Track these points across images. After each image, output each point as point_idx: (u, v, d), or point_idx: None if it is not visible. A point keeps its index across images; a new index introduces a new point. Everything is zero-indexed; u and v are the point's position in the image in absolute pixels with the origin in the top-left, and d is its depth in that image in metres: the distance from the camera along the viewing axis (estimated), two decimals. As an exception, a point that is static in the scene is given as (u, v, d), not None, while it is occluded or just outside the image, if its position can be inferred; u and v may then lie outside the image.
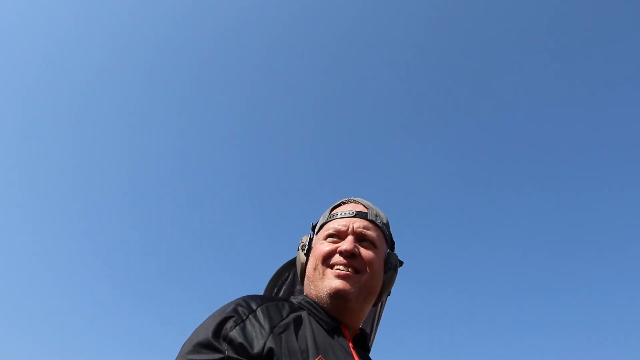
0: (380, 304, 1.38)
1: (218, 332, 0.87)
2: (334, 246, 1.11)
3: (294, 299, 1.12)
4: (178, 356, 0.89)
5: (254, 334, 0.88)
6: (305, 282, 1.16)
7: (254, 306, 0.95)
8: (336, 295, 1.04)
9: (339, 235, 1.14)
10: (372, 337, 1.51)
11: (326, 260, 1.10)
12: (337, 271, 1.07)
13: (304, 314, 1.02)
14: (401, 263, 1.24)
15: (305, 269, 1.18)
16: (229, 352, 0.84)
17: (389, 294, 1.24)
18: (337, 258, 1.09)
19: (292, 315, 0.98)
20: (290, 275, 1.54)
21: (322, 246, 1.13)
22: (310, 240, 1.23)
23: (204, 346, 0.85)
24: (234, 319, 0.90)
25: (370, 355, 1.16)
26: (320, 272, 1.09)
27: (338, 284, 1.05)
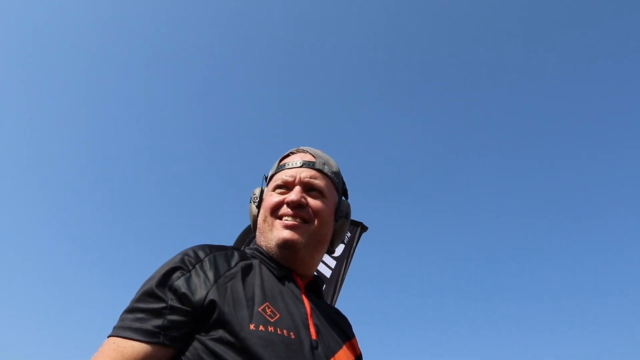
0: (346, 260, 1.43)
1: (164, 282, 0.88)
2: (281, 197, 1.11)
3: (247, 249, 1.13)
4: (130, 303, 0.90)
5: (198, 284, 0.89)
6: (257, 233, 1.17)
7: (201, 255, 0.96)
8: (284, 245, 1.05)
9: (287, 186, 1.14)
10: (337, 292, 1.56)
11: (274, 212, 1.11)
12: (285, 222, 1.08)
13: (255, 262, 1.04)
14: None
15: (257, 221, 1.19)
16: (172, 302, 0.86)
17: (342, 242, 1.27)
18: (284, 209, 1.10)
19: (241, 264, 0.99)
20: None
21: (270, 198, 1.13)
22: (262, 192, 1.23)
23: (149, 295, 0.87)
24: (181, 269, 0.91)
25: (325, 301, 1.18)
26: (269, 223, 1.11)
27: (286, 234, 1.06)
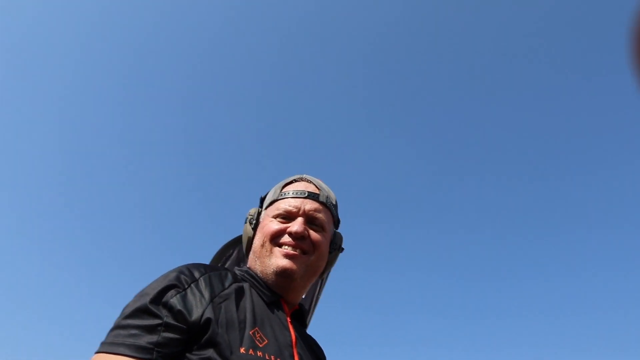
0: (320, 283, 1.41)
1: (159, 299, 0.87)
2: (283, 226, 1.11)
3: (237, 270, 1.13)
4: (117, 319, 0.89)
5: (194, 303, 0.89)
6: (251, 256, 1.16)
7: (196, 275, 0.96)
8: (283, 274, 1.06)
9: (290, 216, 1.14)
10: (311, 313, 1.58)
11: (275, 239, 1.10)
12: (286, 250, 1.08)
13: (245, 285, 1.03)
14: (342, 249, 1.25)
15: (251, 243, 1.18)
16: (168, 319, 0.85)
17: (328, 272, 1.26)
18: (286, 238, 1.09)
19: (234, 286, 0.99)
20: (234, 252, 1.55)
21: (271, 224, 1.13)
22: (259, 214, 1.22)
23: (143, 312, 0.86)
24: (176, 287, 0.90)
25: (307, 331, 1.19)
26: (268, 249, 1.10)
27: (285, 263, 1.06)
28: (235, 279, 1.04)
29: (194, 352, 0.85)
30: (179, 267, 0.98)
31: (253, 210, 1.24)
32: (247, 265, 1.16)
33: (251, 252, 1.17)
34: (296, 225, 1.10)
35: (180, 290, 0.91)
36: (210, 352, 0.84)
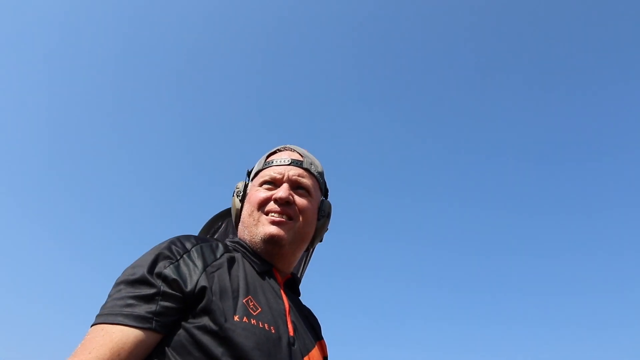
0: (311, 249, 1.41)
1: (152, 269, 0.88)
2: (269, 193, 1.13)
3: (229, 241, 1.14)
4: (112, 291, 0.88)
5: (187, 272, 0.90)
6: (240, 227, 1.18)
7: (188, 246, 0.96)
8: (270, 240, 1.07)
9: (274, 183, 1.15)
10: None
11: (261, 207, 1.12)
12: (272, 218, 1.09)
13: (237, 255, 1.04)
14: (329, 216, 1.26)
15: (239, 215, 1.20)
16: (164, 287, 0.86)
17: (320, 240, 1.28)
18: (271, 205, 1.11)
19: (226, 256, 1.00)
20: (223, 224, 1.55)
21: (257, 193, 1.14)
22: (246, 186, 1.24)
23: (139, 282, 0.86)
24: (169, 258, 0.91)
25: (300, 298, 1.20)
26: (255, 218, 1.12)
27: (272, 230, 1.07)
28: (227, 249, 1.05)
29: (189, 321, 0.85)
30: (169, 239, 0.99)
31: (240, 184, 1.25)
32: (238, 237, 1.18)
33: (240, 223, 1.18)
34: (281, 192, 1.11)
35: (173, 261, 0.91)
36: (205, 320, 0.85)
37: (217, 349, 0.82)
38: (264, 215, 1.11)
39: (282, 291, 1.06)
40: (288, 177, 1.15)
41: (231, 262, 1.00)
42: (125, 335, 0.80)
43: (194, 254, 0.95)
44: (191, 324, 0.85)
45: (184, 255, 0.93)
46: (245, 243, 1.12)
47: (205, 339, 0.83)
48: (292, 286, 1.18)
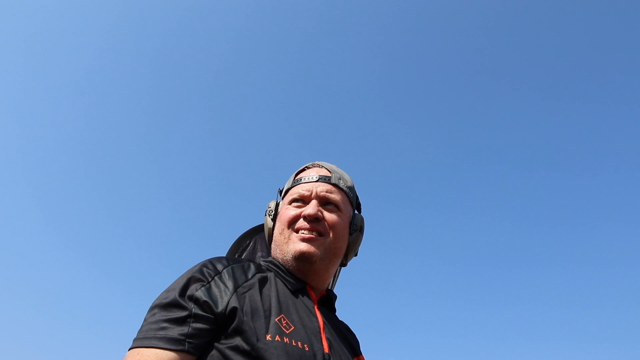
0: (345, 264, 1.46)
1: (184, 292, 0.90)
2: (298, 211, 1.13)
3: (262, 261, 1.15)
4: (147, 315, 0.91)
5: (219, 294, 0.91)
6: (272, 246, 1.18)
7: (219, 268, 0.98)
8: (301, 257, 1.07)
9: (303, 200, 1.16)
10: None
11: (291, 225, 1.13)
12: (302, 235, 1.10)
13: (270, 274, 1.05)
14: (362, 231, 1.25)
15: (272, 234, 1.21)
16: (195, 310, 0.87)
17: (355, 254, 1.27)
18: (301, 222, 1.12)
19: (258, 276, 1.01)
20: (251, 242, 1.56)
21: (287, 211, 1.15)
22: (277, 205, 1.25)
23: (171, 305, 0.88)
24: (200, 281, 0.93)
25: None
26: (286, 236, 1.12)
27: (302, 247, 1.08)
28: (259, 269, 1.05)
29: (221, 342, 0.86)
30: (201, 261, 1.00)
31: (272, 203, 1.27)
32: (271, 256, 1.18)
33: (272, 242, 1.19)
34: (309, 208, 1.12)
35: (205, 283, 0.92)
36: (237, 340, 0.85)
37: None
38: (294, 233, 1.12)
39: (316, 308, 1.05)
40: (316, 193, 1.16)
41: (263, 281, 1.01)
42: (159, 358, 0.82)
43: (225, 275, 0.96)
44: (224, 345, 0.85)
45: (215, 277, 0.95)
46: (278, 262, 1.13)
47: (238, 358, 0.83)
48: (327, 303, 1.17)
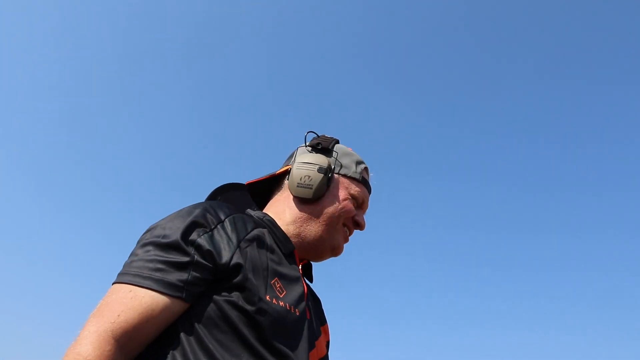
0: None
1: (186, 236, 0.84)
2: (354, 211, 1.14)
3: (253, 213, 1.09)
4: (137, 250, 0.85)
5: (222, 245, 0.87)
6: (307, 208, 1.09)
7: (222, 216, 0.92)
8: (334, 252, 1.11)
9: (358, 203, 1.15)
10: None
11: (344, 216, 1.11)
12: (346, 234, 1.14)
13: (264, 231, 1.00)
14: None
15: (320, 196, 1.08)
16: (197, 257, 0.83)
17: None
18: (350, 221, 1.13)
19: (256, 231, 0.97)
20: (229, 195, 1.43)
21: (350, 203, 1.11)
22: (332, 172, 1.12)
23: (171, 247, 0.83)
24: (203, 227, 0.88)
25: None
26: (336, 222, 1.09)
27: (342, 245, 1.12)
28: (257, 223, 1.01)
29: (221, 294, 0.84)
30: (202, 204, 0.95)
31: (326, 163, 1.10)
32: (296, 216, 1.09)
33: (312, 209, 1.09)
34: (363, 220, 1.16)
35: (207, 230, 0.87)
36: (236, 296, 0.83)
37: (244, 325, 0.83)
38: (343, 227, 1.12)
39: (301, 275, 1.05)
40: (367, 206, 1.20)
41: (261, 237, 0.97)
42: (155, 301, 0.78)
43: (227, 225, 0.91)
44: (223, 297, 0.84)
45: (218, 226, 0.90)
46: (274, 221, 1.07)
47: (234, 315, 0.82)
48: (306, 271, 1.18)
